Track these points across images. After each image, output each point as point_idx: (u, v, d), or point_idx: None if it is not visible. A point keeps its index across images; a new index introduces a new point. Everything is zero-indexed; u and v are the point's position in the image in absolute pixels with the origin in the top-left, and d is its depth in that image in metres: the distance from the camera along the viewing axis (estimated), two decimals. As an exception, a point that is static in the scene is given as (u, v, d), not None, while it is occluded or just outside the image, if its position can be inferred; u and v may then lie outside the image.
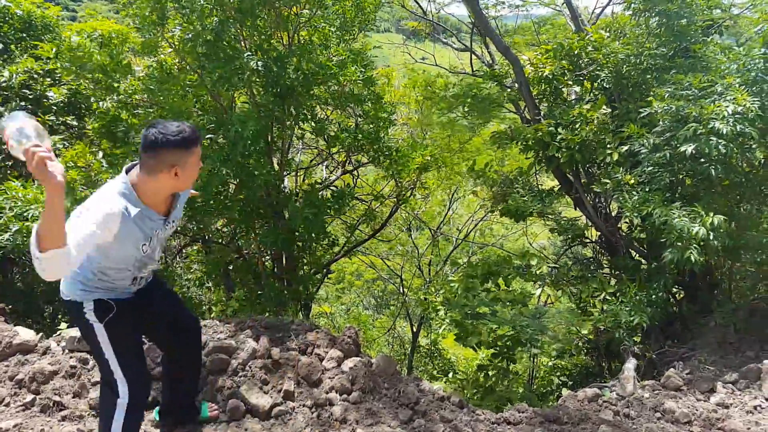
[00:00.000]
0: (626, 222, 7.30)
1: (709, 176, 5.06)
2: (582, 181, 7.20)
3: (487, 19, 8.70)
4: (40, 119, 6.83)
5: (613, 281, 6.52)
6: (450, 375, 9.31)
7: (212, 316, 7.95)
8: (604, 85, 6.84)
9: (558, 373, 7.55)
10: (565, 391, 4.46)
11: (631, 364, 4.75)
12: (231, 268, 7.34)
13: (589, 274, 6.93)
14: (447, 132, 10.88)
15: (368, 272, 16.53)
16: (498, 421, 3.75)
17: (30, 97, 7.03)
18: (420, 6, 11.73)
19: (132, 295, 2.76)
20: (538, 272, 6.61)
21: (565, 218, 7.73)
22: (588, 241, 7.80)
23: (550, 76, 7.11)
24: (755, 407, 4.04)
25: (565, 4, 9.03)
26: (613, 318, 5.22)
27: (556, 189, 7.68)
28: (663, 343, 5.77)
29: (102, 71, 6.25)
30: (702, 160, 5.12)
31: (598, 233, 7.46)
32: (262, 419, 3.46)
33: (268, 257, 7.22)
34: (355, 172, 9.40)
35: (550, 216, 7.56)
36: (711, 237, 4.61)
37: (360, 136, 7.12)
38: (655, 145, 5.47)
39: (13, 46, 7.50)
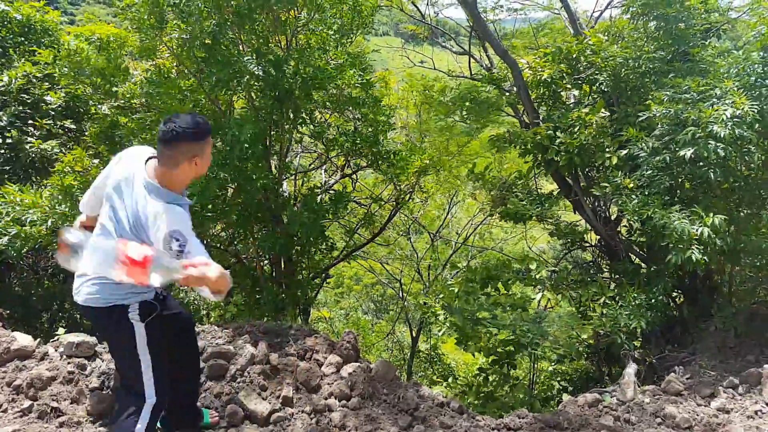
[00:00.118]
0: (625, 226, 7.29)
1: (708, 180, 5.06)
2: (581, 184, 7.19)
3: (485, 23, 8.71)
4: (38, 123, 6.84)
5: (612, 285, 6.51)
6: (450, 380, 9.28)
7: (210, 321, 7.93)
8: (603, 88, 6.84)
9: (558, 378, 7.52)
10: (565, 397, 4.45)
11: (631, 369, 4.73)
12: (229, 272, 7.32)
13: (588, 278, 6.92)
14: (445, 136, 10.87)
15: (367, 276, 16.51)
16: (498, 426, 3.74)
17: (28, 101, 7.02)
18: (418, 9, 11.74)
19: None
20: (537, 276, 6.59)
21: (564, 222, 7.71)
22: (587, 245, 7.79)
23: (549, 80, 7.10)
24: (756, 412, 4.03)
25: (563, 8, 9.04)
26: (613, 322, 5.21)
27: (555, 192, 7.67)
28: (663, 347, 5.75)
29: (100, 75, 6.24)
30: (701, 163, 5.12)
31: (598, 237, 7.45)
32: (260, 425, 3.44)
33: (266, 262, 7.20)
34: (354, 176, 9.39)
35: (549, 220, 7.55)
36: (713, 237, 4.60)
37: (358, 139, 7.11)
38: (653, 148, 5.47)
39: (11, 50, 7.50)
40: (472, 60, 10.72)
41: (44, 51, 6.58)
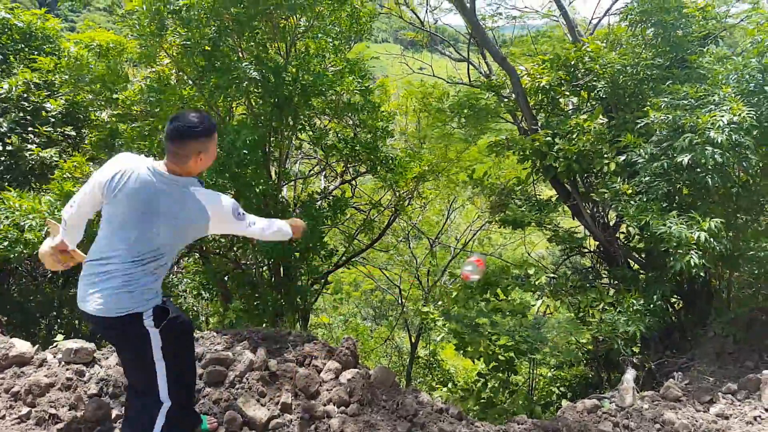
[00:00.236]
0: (624, 232, 7.30)
1: (706, 185, 5.07)
2: (580, 190, 7.21)
3: (484, 30, 8.75)
4: (38, 130, 6.86)
5: (611, 291, 6.52)
6: (449, 385, 9.26)
7: (209, 327, 7.92)
8: (601, 95, 6.87)
9: (557, 384, 7.51)
10: (564, 403, 4.44)
11: (630, 375, 4.73)
12: (228, 278, 7.31)
13: (587, 284, 6.92)
14: (444, 143, 10.90)
15: (366, 282, 16.49)
16: (497, 432, 3.73)
17: (28, 108, 7.05)
18: (418, 17, 11.80)
19: None
20: (537, 282, 6.60)
21: (562, 228, 7.73)
22: (586, 250, 7.80)
23: (547, 87, 7.14)
24: (755, 418, 4.02)
25: (561, 16, 9.08)
26: (612, 328, 5.21)
27: (554, 198, 7.69)
28: (662, 353, 5.75)
29: (100, 82, 6.27)
30: (698, 169, 5.13)
31: (597, 243, 7.46)
32: (259, 431, 3.43)
33: (265, 268, 7.20)
34: (353, 182, 9.41)
35: (548, 226, 7.56)
36: (710, 241, 4.61)
37: (357, 145, 7.14)
38: (652, 154, 5.48)
39: (12, 58, 7.53)
40: (471, 67, 10.77)
41: (45, 58, 6.61)
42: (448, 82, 11.39)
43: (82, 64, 6.15)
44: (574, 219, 7.69)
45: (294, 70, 5.93)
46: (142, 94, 6.10)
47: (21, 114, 6.98)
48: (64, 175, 5.86)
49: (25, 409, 3.39)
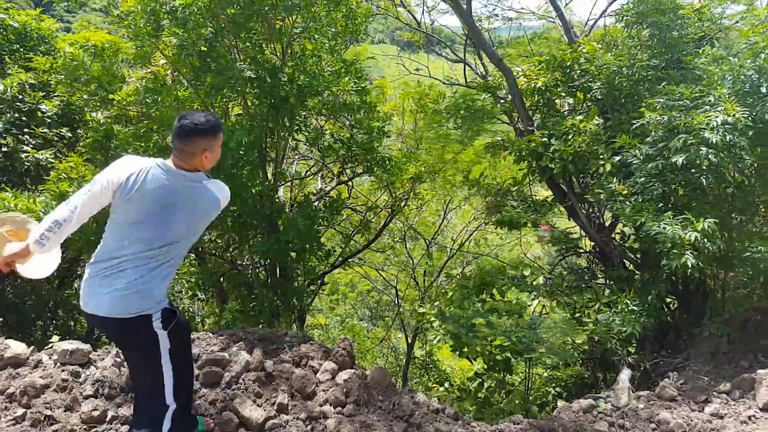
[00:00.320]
0: (619, 232, 7.33)
1: (701, 186, 5.09)
2: (575, 191, 7.23)
3: (480, 31, 8.76)
4: (34, 131, 6.84)
5: (607, 291, 6.54)
6: (446, 385, 9.27)
7: (205, 328, 7.91)
8: (597, 96, 6.89)
9: (553, 384, 7.53)
10: (560, 402, 4.45)
11: (625, 375, 4.75)
12: (223, 279, 7.30)
13: (583, 285, 6.94)
14: (440, 144, 10.91)
15: (363, 283, 16.48)
16: (493, 432, 3.74)
17: (24, 109, 7.03)
18: (414, 17, 11.81)
19: None
20: (533, 283, 6.61)
21: (557, 228, 7.74)
22: (582, 251, 7.82)
23: (543, 88, 7.16)
24: (749, 417, 4.04)
25: (558, 17, 9.11)
26: (607, 328, 5.23)
27: (549, 199, 7.71)
28: (657, 353, 5.77)
29: (96, 82, 6.26)
30: (693, 170, 5.15)
31: (592, 243, 7.49)
32: (255, 432, 3.43)
33: (261, 269, 7.20)
34: (349, 183, 9.41)
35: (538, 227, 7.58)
36: (703, 242, 4.63)
37: (354, 146, 7.14)
38: (647, 155, 5.50)
39: (7, 58, 7.51)
40: (467, 68, 10.78)
41: (41, 58, 6.59)
42: (444, 83, 11.40)
43: (78, 65, 6.13)
44: (569, 219, 7.71)
45: (290, 70, 5.94)
46: (138, 95, 6.08)
47: (16, 115, 6.97)
48: (60, 176, 5.85)
49: (20, 411, 3.38)
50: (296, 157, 10.01)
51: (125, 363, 3.93)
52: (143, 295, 2.62)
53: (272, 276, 7.04)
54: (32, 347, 4.00)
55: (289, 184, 9.04)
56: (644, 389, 4.74)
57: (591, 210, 7.29)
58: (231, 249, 7.37)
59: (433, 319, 6.55)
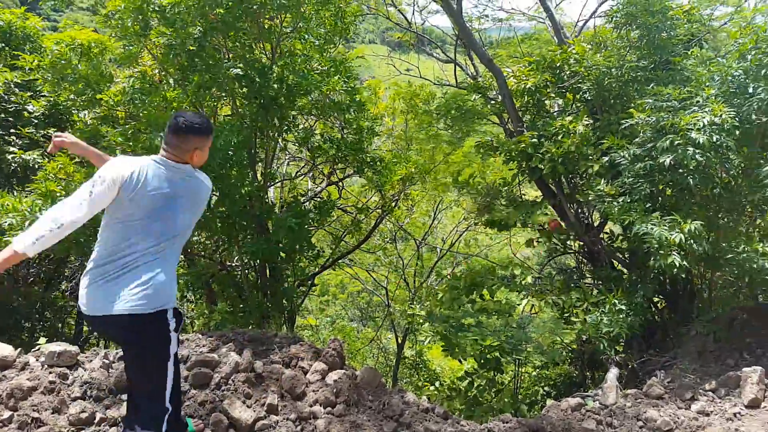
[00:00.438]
0: (607, 233, 7.38)
1: (688, 186, 5.14)
2: (565, 191, 7.28)
3: (470, 32, 8.80)
4: (20, 132, 6.78)
5: (595, 291, 6.59)
6: (436, 384, 9.30)
7: (194, 329, 7.87)
8: (586, 97, 6.93)
9: (543, 383, 7.58)
10: (549, 401, 4.48)
11: (613, 374, 4.79)
12: (213, 280, 7.27)
13: (572, 284, 6.99)
14: (431, 145, 10.94)
15: (353, 284, 16.47)
16: (482, 431, 3.76)
17: (10, 109, 6.96)
18: (405, 17, 11.82)
19: None
20: (522, 282, 6.65)
21: (542, 226, 7.80)
22: (571, 251, 7.87)
23: (533, 89, 7.19)
24: (735, 414, 4.10)
25: (548, 18, 9.16)
26: (595, 328, 5.27)
27: (539, 199, 7.75)
28: (645, 352, 5.82)
29: (84, 82, 6.21)
30: (681, 170, 5.20)
31: (581, 243, 7.54)
32: (244, 433, 3.43)
33: (251, 269, 7.17)
34: (340, 184, 9.40)
35: (532, 226, 7.63)
36: (690, 243, 4.68)
37: (343, 146, 7.13)
38: (635, 156, 5.55)
39: (-8, 57, 7.44)
40: (458, 68, 10.82)
41: (28, 56, 6.53)
42: (435, 84, 11.43)
43: (66, 64, 6.08)
44: (558, 219, 7.76)
45: (279, 70, 5.92)
46: (126, 96, 6.03)
47: (2, 115, 6.90)
48: (48, 176, 5.79)
49: (6, 413, 3.35)
50: (287, 157, 9.99)
51: (113, 365, 3.92)
52: (164, 290, 2.67)
53: (262, 277, 7.01)
54: (19, 349, 3.96)
55: (279, 184, 9.02)
56: (632, 388, 4.78)
57: (580, 210, 7.34)
58: (220, 250, 7.33)
59: (422, 321, 6.57)
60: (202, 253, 7.41)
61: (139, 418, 2.79)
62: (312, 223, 7.00)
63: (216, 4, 5.57)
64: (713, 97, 5.22)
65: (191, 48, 5.58)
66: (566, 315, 6.32)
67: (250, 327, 5.86)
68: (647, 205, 5.41)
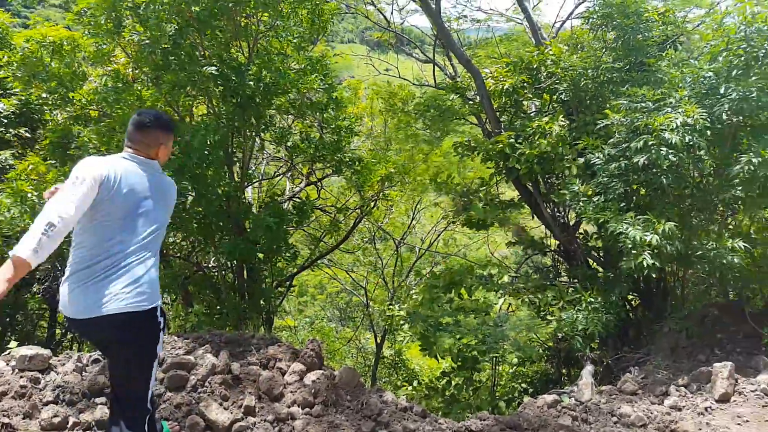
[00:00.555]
0: (581, 233, 7.47)
1: (662, 186, 5.24)
2: (541, 191, 7.35)
3: (449, 32, 8.85)
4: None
5: (571, 290, 6.68)
6: (414, 384, 9.33)
7: (170, 331, 7.77)
8: (563, 98, 7.00)
9: (520, 380, 7.65)
10: (526, 398, 4.53)
11: (588, 371, 4.86)
12: (188, 281, 7.18)
13: (548, 283, 7.07)
14: (410, 144, 10.97)
15: (331, 285, 16.44)
16: (460, 429, 3.78)
17: (-22, 108, 6.81)
18: (384, 17, 11.82)
19: None
20: (500, 282, 6.70)
21: (522, 225, 7.88)
22: (547, 250, 7.96)
23: (511, 89, 7.25)
24: (706, 409, 4.19)
25: (525, 19, 9.24)
26: (571, 326, 5.34)
27: (516, 199, 7.82)
28: (620, 348, 5.92)
29: (56, 80, 6.08)
30: (654, 170, 5.29)
31: (557, 242, 7.62)
32: (221, 435, 3.40)
33: (228, 270, 7.10)
34: (319, 184, 9.37)
35: (511, 226, 7.70)
36: (663, 243, 4.76)
37: (321, 146, 7.10)
38: (610, 156, 5.63)
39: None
40: (436, 68, 10.87)
41: (-1, 52, 6.37)
42: (414, 84, 11.46)
43: (37, 61, 5.95)
44: (533, 218, 7.85)
45: (256, 68, 5.87)
46: (99, 95, 5.92)
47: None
48: (20, 176, 5.67)
49: (-25, 419, 3.27)
50: (265, 157, 9.92)
51: (87, 368, 3.85)
52: (156, 287, 2.67)
53: (239, 278, 6.95)
54: (-12, 353, 3.88)
55: (257, 184, 8.95)
56: (607, 384, 4.86)
57: (556, 210, 7.42)
58: (196, 251, 7.25)
59: (402, 322, 6.60)
60: (178, 254, 7.31)
61: (123, 419, 2.74)
62: (290, 224, 6.96)
63: (192, 1, 5.50)
64: (686, 98, 5.32)
65: (165, 46, 5.50)
66: (542, 313, 6.39)
67: (227, 329, 5.81)
68: (622, 205, 5.49)
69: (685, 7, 8.35)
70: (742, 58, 5.12)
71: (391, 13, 11.65)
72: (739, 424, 3.98)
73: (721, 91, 5.12)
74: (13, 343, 4.09)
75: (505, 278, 6.54)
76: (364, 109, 11.20)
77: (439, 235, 14.64)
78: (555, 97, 7.12)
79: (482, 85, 7.51)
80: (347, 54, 14.20)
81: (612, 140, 5.74)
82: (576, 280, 6.67)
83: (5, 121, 6.94)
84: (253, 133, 6.56)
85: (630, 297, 6.70)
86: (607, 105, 6.24)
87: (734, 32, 5.18)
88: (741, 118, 5.17)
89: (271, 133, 6.96)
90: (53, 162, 6.30)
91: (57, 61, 6.15)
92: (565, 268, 7.65)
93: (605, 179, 5.60)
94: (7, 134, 6.94)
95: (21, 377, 3.63)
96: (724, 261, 4.82)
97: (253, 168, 8.66)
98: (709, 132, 5.13)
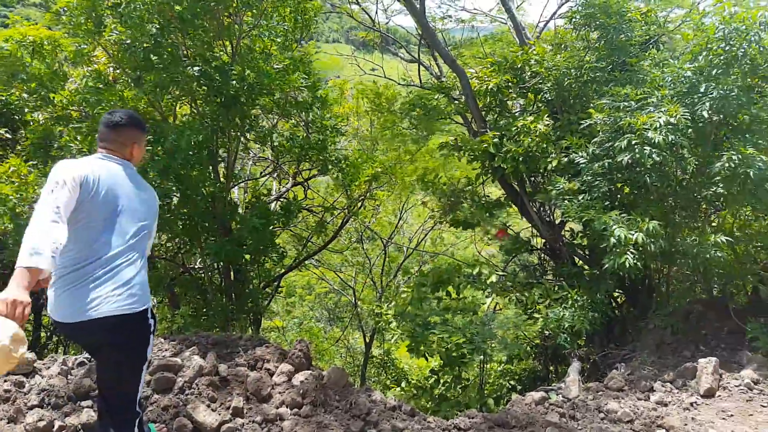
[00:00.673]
0: (569, 230, 7.53)
1: (645, 184, 5.29)
2: (527, 190, 7.39)
3: (434, 32, 8.86)
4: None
5: (557, 287, 6.73)
6: (403, 384, 9.34)
7: (156, 333, 7.70)
8: (547, 97, 7.05)
9: (508, 378, 7.69)
10: (514, 395, 4.56)
11: (575, 368, 4.90)
12: (175, 283, 7.13)
13: (534, 281, 7.11)
14: (397, 144, 10.97)
15: (320, 285, 16.40)
16: (448, 427, 3.79)
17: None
18: (369, 16, 11.80)
19: None
20: (487, 281, 6.73)
21: (507, 225, 7.92)
22: (533, 248, 8.01)
23: (495, 89, 7.28)
24: (691, 404, 4.24)
25: (509, 18, 9.28)
26: (557, 323, 5.38)
27: (502, 198, 7.86)
28: (606, 345, 5.97)
29: (36, 81, 6.00)
30: (638, 169, 5.35)
31: (543, 241, 7.67)
32: (209, 437, 3.38)
33: (215, 272, 7.06)
34: (306, 184, 9.34)
35: (492, 229, 7.74)
36: (647, 242, 4.82)
37: (306, 145, 7.08)
38: (594, 155, 5.68)
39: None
40: (422, 68, 10.87)
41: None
42: (399, 84, 11.46)
43: (16, 61, 5.87)
44: (521, 218, 7.89)
45: (240, 68, 5.83)
46: (80, 95, 5.85)
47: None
48: (0, 179, 5.59)
49: (-43, 425, 3.22)
50: (252, 156, 9.87)
51: (72, 371, 3.80)
52: (146, 288, 2.64)
53: (226, 279, 6.92)
54: (-30, 358, 3.81)
55: (243, 185, 8.91)
56: (594, 381, 4.90)
57: (542, 208, 7.47)
58: (182, 252, 7.20)
59: (391, 320, 6.59)
60: (164, 255, 7.25)
61: (112, 423, 2.72)
62: (277, 224, 6.93)
63: (173, 0, 5.44)
64: (668, 98, 5.38)
65: (147, 45, 5.44)
66: (529, 311, 6.43)
67: (214, 330, 5.77)
68: (606, 203, 5.54)
69: (666, 7, 8.43)
70: (722, 58, 5.19)
71: (376, 12, 11.61)
72: (723, 418, 4.04)
73: (702, 89, 5.19)
74: (-5, 348, 4.02)
75: (493, 277, 6.56)
76: (351, 109, 11.19)
77: (426, 234, 14.67)
78: (539, 96, 7.16)
79: (467, 85, 7.53)
80: (332, 55, 14.18)
81: (596, 139, 5.79)
82: (562, 278, 6.73)
83: (-15, 122, 6.84)
84: (238, 133, 6.53)
85: (615, 294, 6.77)
86: (591, 104, 6.29)
87: (713, 32, 5.25)
88: (722, 116, 5.24)
89: (255, 134, 6.92)
90: (35, 163, 6.22)
91: (38, 61, 6.06)
92: (552, 266, 7.71)
93: (589, 178, 5.65)
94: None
95: (5, 381, 3.57)
96: (708, 256, 4.89)
97: (240, 168, 8.62)
98: (691, 130, 5.20)
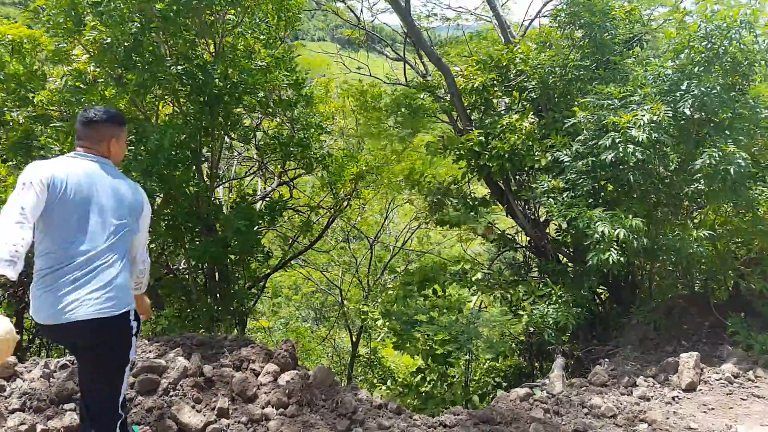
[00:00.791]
0: (556, 225, 7.58)
1: (629, 182, 5.35)
2: (512, 188, 7.43)
3: (419, 30, 8.86)
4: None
5: (542, 284, 6.77)
6: (389, 383, 9.35)
7: (140, 335, 7.64)
8: (532, 95, 7.08)
9: (493, 375, 7.73)
10: (499, 392, 4.59)
11: (559, 363, 4.94)
12: (159, 284, 7.06)
13: (519, 278, 7.15)
14: (383, 143, 10.97)
15: (306, 285, 16.35)
16: (434, 425, 3.81)
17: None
18: (355, 14, 11.78)
19: None
20: (473, 279, 6.76)
21: (493, 224, 7.96)
22: (519, 246, 8.06)
23: (481, 88, 7.30)
24: (673, 398, 4.30)
25: (494, 17, 9.32)
26: (542, 320, 5.42)
27: (488, 197, 7.89)
28: (590, 341, 6.03)
29: (14, 80, 5.91)
30: (622, 167, 5.40)
31: (528, 238, 7.72)
32: (194, 439, 3.36)
33: (200, 272, 7.01)
34: (291, 183, 9.30)
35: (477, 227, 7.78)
36: (630, 238, 4.87)
37: (291, 144, 7.05)
38: (578, 153, 5.72)
39: None
40: (407, 67, 10.88)
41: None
42: (385, 82, 11.45)
43: (-5, 61, 5.78)
44: (507, 216, 7.93)
45: (223, 67, 5.78)
46: (61, 95, 5.76)
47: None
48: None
49: (-64, 430, 3.17)
50: (236, 156, 9.82)
51: (54, 374, 3.76)
52: (126, 291, 2.60)
53: (211, 280, 6.87)
54: (-50, 362, 3.75)
55: (227, 185, 8.85)
56: (578, 376, 4.95)
57: (526, 206, 7.51)
58: (166, 253, 7.13)
59: (377, 317, 6.60)
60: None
61: (95, 425, 2.68)
62: (262, 224, 6.90)
63: (155, -1, 5.38)
64: (651, 96, 5.43)
65: (127, 45, 5.37)
66: (514, 308, 6.47)
67: (199, 331, 5.74)
68: (590, 201, 5.59)
69: (650, 6, 8.51)
70: (703, 56, 5.25)
71: (362, 10, 11.60)
72: (704, 412, 4.10)
73: (683, 87, 5.24)
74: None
75: (479, 275, 6.59)
76: (337, 107, 11.16)
77: (412, 233, 14.68)
78: (524, 95, 7.19)
79: (453, 83, 7.55)
80: (318, 53, 14.15)
81: (580, 137, 5.83)
82: (547, 275, 6.78)
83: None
84: (222, 132, 6.48)
85: (599, 291, 6.83)
86: (575, 102, 6.33)
87: (695, 30, 5.31)
88: (704, 114, 5.31)
89: (238, 133, 6.86)
90: (14, 163, 6.13)
91: (16, 61, 5.96)
92: (537, 263, 7.76)
93: (573, 176, 5.69)
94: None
95: (-16, 386, 3.53)
96: (690, 251, 4.95)
97: (225, 168, 8.56)
98: (673, 128, 5.25)
